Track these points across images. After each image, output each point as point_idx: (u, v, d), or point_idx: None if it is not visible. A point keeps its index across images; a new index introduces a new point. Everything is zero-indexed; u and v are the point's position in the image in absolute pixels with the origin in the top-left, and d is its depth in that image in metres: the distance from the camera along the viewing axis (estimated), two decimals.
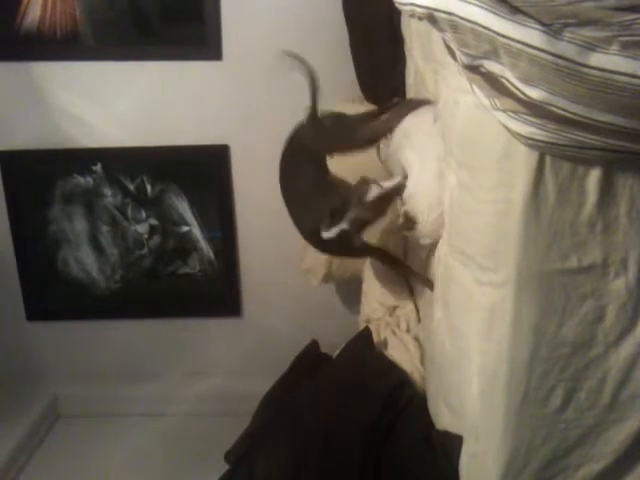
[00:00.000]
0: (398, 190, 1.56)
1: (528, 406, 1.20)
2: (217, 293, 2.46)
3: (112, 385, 2.52)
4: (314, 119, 1.72)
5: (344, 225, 1.53)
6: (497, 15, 0.91)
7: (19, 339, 2.52)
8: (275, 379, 1.92)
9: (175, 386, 2.51)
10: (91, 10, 2.15)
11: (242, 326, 2.50)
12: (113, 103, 2.24)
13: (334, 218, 1.53)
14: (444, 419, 1.47)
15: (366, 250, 1.79)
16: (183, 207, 2.35)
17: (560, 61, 0.89)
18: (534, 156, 1.05)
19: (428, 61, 1.58)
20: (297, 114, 2.13)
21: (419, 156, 1.55)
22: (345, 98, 2.16)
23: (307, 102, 2.12)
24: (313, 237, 1.65)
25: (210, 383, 2.50)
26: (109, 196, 2.34)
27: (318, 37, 2.15)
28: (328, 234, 1.54)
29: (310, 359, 1.98)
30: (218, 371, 2.52)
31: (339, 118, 1.74)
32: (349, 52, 2.09)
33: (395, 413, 1.62)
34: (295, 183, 1.71)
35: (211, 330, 2.51)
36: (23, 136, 2.27)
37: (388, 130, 1.67)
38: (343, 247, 1.67)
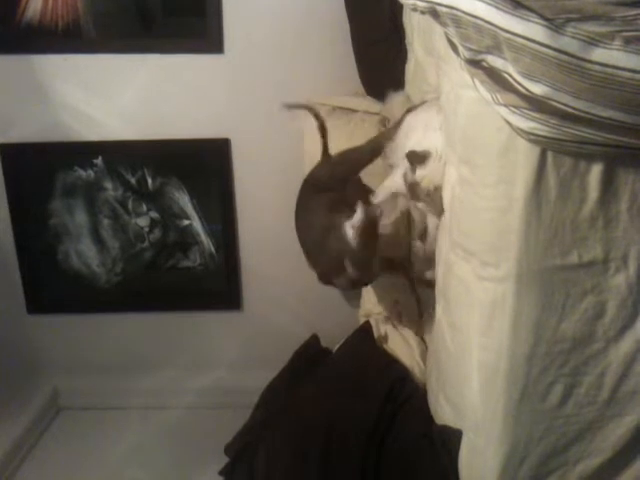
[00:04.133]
0: (371, 215, 1.57)
1: (528, 401, 1.20)
2: (218, 286, 2.46)
3: (113, 378, 2.53)
4: (325, 156, 1.79)
5: (349, 273, 1.60)
6: (500, 10, 0.90)
7: (20, 332, 2.52)
8: (275, 373, 1.92)
9: (175, 379, 2.51)
10: (93, 2, 2.14)
11: (242, 320, 2.50)
12: (114, 96, 2.24)
13: (338, 270, 1.61)
14: (444, 413, 1.47)
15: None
16: (184, 200, 2.34)
17: (562, 56, 0.89)
18: (536, 152, 1.05)
19: (430, 55, 1.57)
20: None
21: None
22: (347, 92, 2.16)
23: (308, 96, 2.14)
24: (326, 281, 1.71)
25: (210, 376, 2.50)
26: (110, 189, 2.34)
27: (320, 30, 2.14)
28: (339, 284, 1.67)
29: (310, 353, 1.98)
30: (218, 364, 2.52)
31: (348, 149, 1.81)
32: (351, 45, 2.09)
33: (395, 408, 1.63)
34: (309, 225, 1.76)
35: (211, 323, 2.51)
36: (24, 129, 2.26)
37: (392, 135, 1.68)
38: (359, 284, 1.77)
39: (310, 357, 1.96)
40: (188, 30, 2.18)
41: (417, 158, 1.47)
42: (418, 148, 1.49)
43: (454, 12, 0.95)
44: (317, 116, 1.84)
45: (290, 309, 2.44)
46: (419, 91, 1.74)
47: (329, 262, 1.64)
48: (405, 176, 1.51)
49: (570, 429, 1.21)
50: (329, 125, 1.92)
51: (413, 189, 1.50)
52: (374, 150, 1.75)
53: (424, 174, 1.45)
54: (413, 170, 1.47)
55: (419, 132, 1.53)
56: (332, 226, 1.62)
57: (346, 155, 1.79)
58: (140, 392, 2.49)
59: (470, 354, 1.27)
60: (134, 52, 2.19)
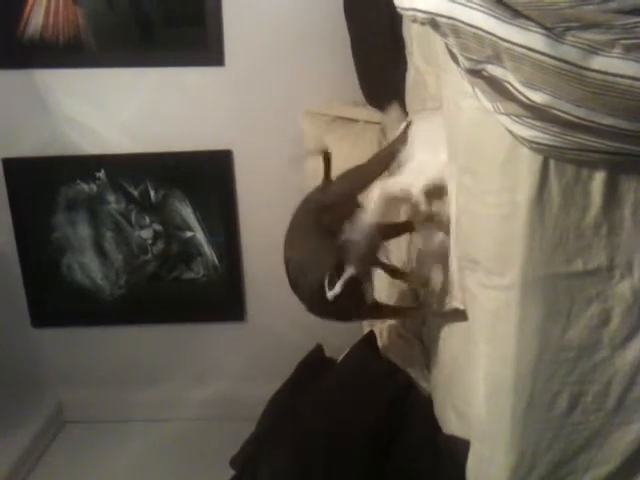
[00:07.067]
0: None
1: (534, 410, 1.20)
2: (221, 298, 2.46)
3: (117, 391, 2.53)
4: (327, 180, 1.71)
5: (350, 270, 1.41)
6: (499, 19, 0.90)
7: (24, 346, 2.52)
8: (280, 383, 1.92)
9: (180, 391, 2.51)
10: (93, 16, 2.15)
11: (246, 331, 2.50)
12: (116, 109, 2.25)
13: (337, 269, 1.43)
14: (451, 423, 1.46)
15: (377, 307, 1.64)
16: (187, 212, 2.35)
17: (563, 65, 0.89)
18: (538, 159, 1.04)
19: (429, 64, 1.58)
20: (300, 119, 2.15)
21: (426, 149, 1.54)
22: (347, 102, 2.16)
23: (309, 106, 2.14)
24: (318, 304, 1.56)
25: (215, 388, 2.50)
26: (113, 202, 2.34)
27: (320, 41, 2.15)
28: (334, 290, 1.42)
29: (314, 363, 1.98)
30: (222, 376, 2.52)
31: (352, 167, 1.71)
32: (351, 55, 2.09)
33: (400, 416, 1.62)
34: (299, 246, 1.66)
35: (215, 335, 2.51)
36: (26, 143, 2.27)
37: (399, 146, 1.66)
38: (353, 303, 1.53)
39: (314, 367, 1.95)
40: (189, 43, 2.20)
41: (435, 193, 1.43)
42: (428, 168, 1.47)
43: (454, 22, 0.95)
44: (326, 155, 1.75)
45: (294, 319, 2.42)
46: (419, 100, 1.74)
47: (315, 280, 1.53)
48: (418, 206, 1.46)
49: (578, 437, 1.21)
50: (330, 136, 1.92)
51: (432, 220, 1.47)
52: (381, 164, 1.71)
53: (441, 206, 1.44)
54: (429, 203, 1.44)
55: (427, 146, 1.52)
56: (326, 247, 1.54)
57: (352, 172, 1.74)
58: (145, 404, 2.49)
59: (476, 363, 1.27)
60: (135, 65, 2.21)
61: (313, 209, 1.65)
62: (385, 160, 1.69)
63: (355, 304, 1.53)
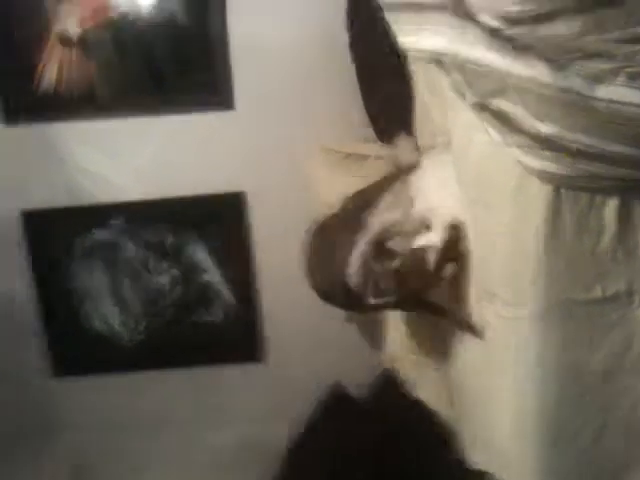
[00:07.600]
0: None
1: (560, 441, 1.18)
2: (239, 340, 2.45)
3: (135, 437, 2.50)
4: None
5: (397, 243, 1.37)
6: (503, 55, 0.92)
7: (44, 396, 2.52)
8: (298, 425, 1.90)
9: (200, 435, 2.49)
10: (105, 70, 2.20)
11: (264, 373, 2.49)
12: (129, 158, 2.28)
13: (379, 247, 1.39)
14: (476, 457, 1.44)
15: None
16: (203, 256, 2.36)
17: (568, 95, 0.90)
18: (549, 189, 1.05)
19: (435, 96, 1.59)
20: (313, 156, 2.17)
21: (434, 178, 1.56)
22: (358, 138, 2.18)
23: (322, 144, 2.16)
24: (353, 298, 1.48)
25: (233, 432, 2.47)
26: (130, 250, 2.36)
27: (331, 81, 2.17)
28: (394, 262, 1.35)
29: (334, 404, 1.96)
30: (242, 419, 2.49)
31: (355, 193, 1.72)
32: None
33: (423, 452, 1.61)
34: (319, 264, 1.63)
35: (234, 377, 2.49)
36: (42, 195, 2.30)
37: (406, 173, 1.68)
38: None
39: (334, 407, 1.94)
40: (198, 89, 2.23)
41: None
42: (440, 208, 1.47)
43: (458, 60, 0.97)
44: None
45: (313, 359, 2.41)
46: (429, 134, 1.75)
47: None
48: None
49: (605, 468, 1.19)
50: (343, 172, 1.93)
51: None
52: (383, 188, 1.73)
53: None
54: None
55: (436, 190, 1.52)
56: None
57: (357, 192, 1.77)
58: (163, 450, 2.47)
59: (499, 397, 1.25)
60: (146, 114, 2.24)
61: (319, 231, 1.67)
62: (387, 185, 1.70)
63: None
